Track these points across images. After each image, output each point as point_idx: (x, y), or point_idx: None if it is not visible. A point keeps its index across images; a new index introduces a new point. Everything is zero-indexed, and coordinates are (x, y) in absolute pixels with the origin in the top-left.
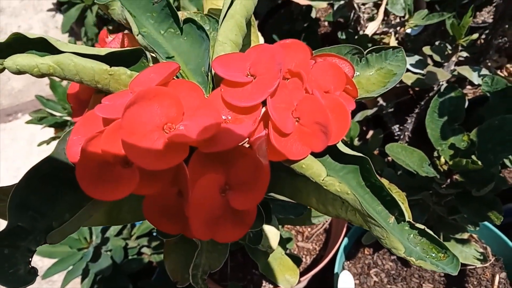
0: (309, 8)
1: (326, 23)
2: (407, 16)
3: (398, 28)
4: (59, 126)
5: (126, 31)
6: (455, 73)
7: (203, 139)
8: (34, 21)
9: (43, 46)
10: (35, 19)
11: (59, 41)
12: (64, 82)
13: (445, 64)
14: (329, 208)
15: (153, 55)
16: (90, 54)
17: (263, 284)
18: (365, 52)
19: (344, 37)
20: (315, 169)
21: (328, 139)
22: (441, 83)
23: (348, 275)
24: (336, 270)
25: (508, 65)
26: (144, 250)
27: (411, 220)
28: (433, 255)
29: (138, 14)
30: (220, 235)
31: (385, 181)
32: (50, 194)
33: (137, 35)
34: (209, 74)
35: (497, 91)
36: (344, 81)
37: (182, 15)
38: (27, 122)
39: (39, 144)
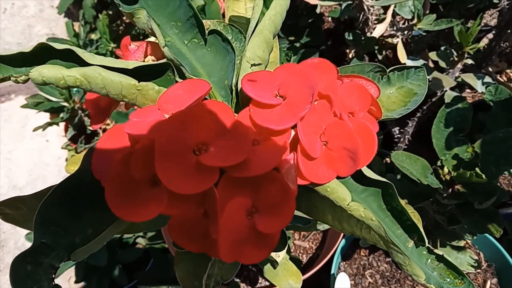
0: (314, 4)
1: (329, 19)
2: (415, 20)
3: (405, 32)
4: (55, 111)
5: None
6: (459, 79)
7: (235, 164)
8: (29, 0)
9: (68, 56)
10: None
11: (85, 52)
12: None
13: (450, 70)
14: (345, 225)
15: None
16: (118, 68)
17: (259, 280)
18: (388, 70)
19: (351, 38)
20: (339, 193)
21: (356, 165)
22: (444, 89)
23: (344, 277)
24: (332, 271)
25: (508, 70)
26: (139, 240)
27: (430, 245)
28: (449, 280)
29: (163, 23)
30: (244, 257)
31: (402, 202)
32: (74, 210)
33: (163, 47)
34: (233, 88)
35: (500, 100)
36: (369, 102)
37: (205, 23)
38: (23, 106)
39: (35, 129)
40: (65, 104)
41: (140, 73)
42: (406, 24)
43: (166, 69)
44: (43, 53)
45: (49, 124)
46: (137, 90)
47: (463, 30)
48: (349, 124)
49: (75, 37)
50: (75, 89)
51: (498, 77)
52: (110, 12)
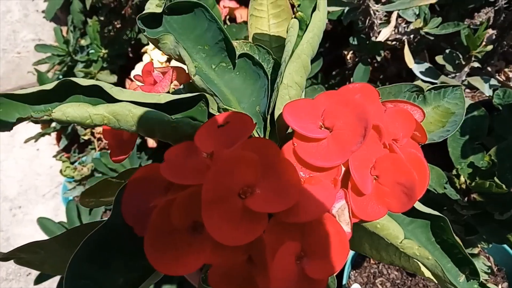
0: None
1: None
2: (421, 24)
3: (411, 36)
4: (47, 121)
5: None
6: (465, 83)
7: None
8: (12, 4)
9: (93, 91)
10: (13, 1)
11: (113, 87)
12: (50, 74)
13: (457, 74)
14: (383, 254)
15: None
16: (149, 103)
17: None
18: (425, 90)
19: (356, 42)
20: (391, 230)
21: (411, 202)
22: None
23: None
24: (344, 282)
25: (506, 69)
26: None
27: (482, 279)
28: None
29: (189, 47)
30: None
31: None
32: (104, 260)
33: (194, 75)
34: (268, 116)
35: (509, 104)
36: (413, 128)
37: None
38: None
39: (26, 141)
40: None
41: (172, 106)
42: (406, 24)
43: (199, 100)
44: (65, 89)
45: (41, 134)
46: (171, 127)
47: (471, 34)
48: (403, 158)
49: (65, 44)
50: None
51: (497, 76)
52: (102, 18)
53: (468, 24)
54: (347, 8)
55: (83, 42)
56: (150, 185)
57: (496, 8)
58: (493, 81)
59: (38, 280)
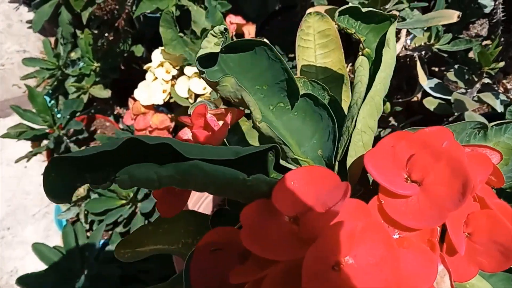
0: None
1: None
2: (433, 40)
3: (423, 52)
4: (38, 139)
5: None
6: (475, 98)
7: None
8: None
9: (161, 149)
10: None
11: (182, 143)
12: (40, 88)
13: (468, 90)
14: None
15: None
16: (219, 160)
17: None
18: (489, 126)
19: None
20: None
21: (509, 262)
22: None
23: None
24: None
25: (504, 81)
26: (142, 276)
27: None
28: None
29: (246, 87)
30: None
31: None
32: None
33: (260, 122)
34: (334, 162)
35: None
36: (490, 172)
37: None
38: (3, 136)
39: (17, 161)
40: (49, 131)
41: (242, 161)
42: (407, 37)
43: (268, 150)
44: (129, 149)
45: (33, 154)
46: (246, 186)
47: (484, 51)
48: (499, 214)
49: (55, 57)
50: (59, 114)
51: (496, 89)
52: (96, 31)
53: (481, 40)
54: None
55: (73, 55)
56: (223, 253)
57: (494, 20)
58: (502, 97)
59: None
